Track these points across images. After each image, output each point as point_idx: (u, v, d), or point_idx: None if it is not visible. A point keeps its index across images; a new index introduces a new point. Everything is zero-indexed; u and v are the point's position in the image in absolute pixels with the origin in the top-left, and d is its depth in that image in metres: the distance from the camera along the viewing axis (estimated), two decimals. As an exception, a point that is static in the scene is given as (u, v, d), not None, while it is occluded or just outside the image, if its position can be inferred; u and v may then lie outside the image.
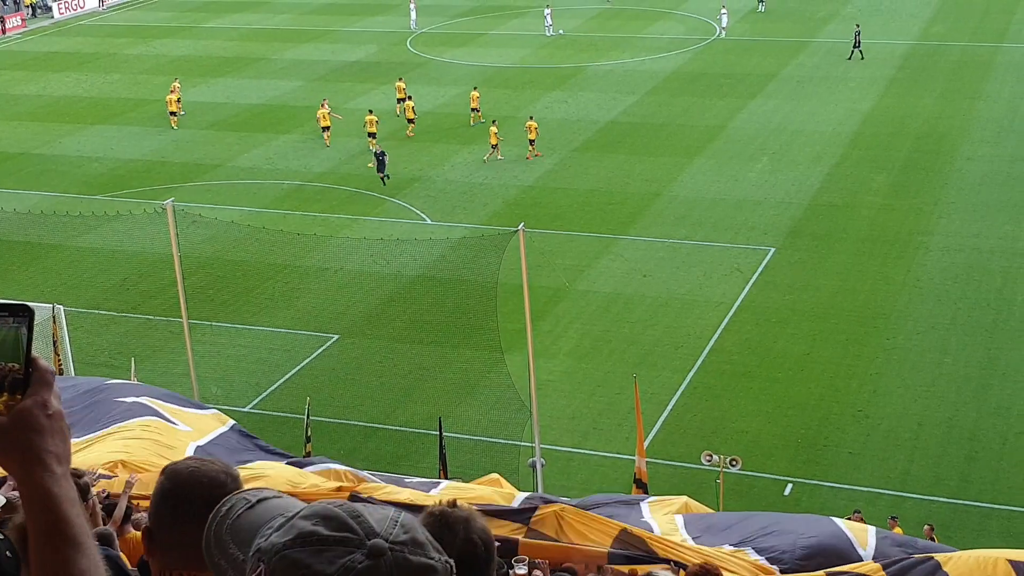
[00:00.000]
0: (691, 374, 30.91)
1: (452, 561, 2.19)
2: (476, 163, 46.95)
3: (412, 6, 71.34)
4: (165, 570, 3.24)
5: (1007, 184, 42.41)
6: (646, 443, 24.32)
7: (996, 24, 63.89)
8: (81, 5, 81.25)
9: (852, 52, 58.12)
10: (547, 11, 67.77)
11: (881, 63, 57.85)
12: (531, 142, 46.83)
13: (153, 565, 3.32)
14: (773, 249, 37.90)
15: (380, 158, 44.31)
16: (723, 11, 65.38)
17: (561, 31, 67.08)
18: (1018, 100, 51.28)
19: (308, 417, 25.49)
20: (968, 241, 37.92)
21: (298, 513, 2.19)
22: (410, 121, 50.69)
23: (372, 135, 48.55)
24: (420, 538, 2.16)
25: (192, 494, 3.25)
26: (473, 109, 51.83)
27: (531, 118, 47.80)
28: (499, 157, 46.72)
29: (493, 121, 48.00)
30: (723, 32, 64.56)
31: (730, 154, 46.76)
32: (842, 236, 38.72)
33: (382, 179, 44.07)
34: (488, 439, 28.46)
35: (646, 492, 20.04)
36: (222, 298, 36.24)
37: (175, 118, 53.26)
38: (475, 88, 53.02)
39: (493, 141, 46.71)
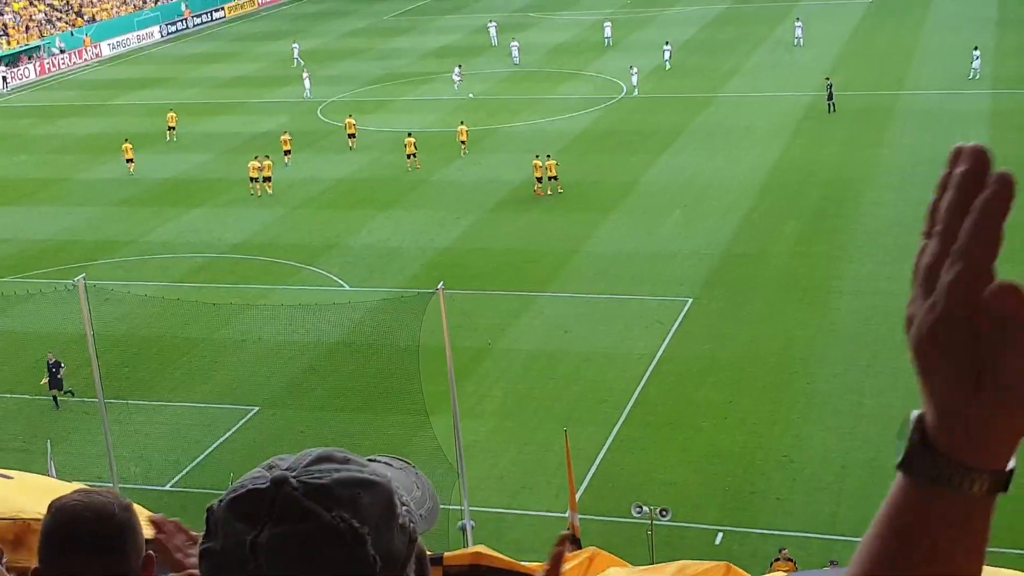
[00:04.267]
0: (617, 427, 30.95)
1: (367, 530, 1.85)
2: (393, 228, 46.90)
3: (305, 75, 71.66)
4: None
5: (914, 227, 42.72)
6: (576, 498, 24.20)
7: (894, 73, 65.47)
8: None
9: (828, 106, 58.67)
10: (456, 69, 68.96)
11: (786, 114, 58.98)
12: (553, 178, 49.12)
13: None
14: (691, 300, 38.24)
15: (53, 371, 33.89)
16: (633, 70, 66.32)
17: (471, 95, 67.59)
18: (919, 146, 52.40)
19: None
20: (880, 284, 38.54)
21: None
22: (267, 180, 52.01)
23: (287, 152, 54.72)
24: (341, 494, 1.87)
25: (79, 531, 3.09)
26: (409, 155, 53.85)
27: (548, 156, 49.92)
28: (560, 190, 49.09)
29: (547, 155, 49.98)
30: (636, 90, 65.44)
31: (644, 208, 47.23)
32: (757, 284, 39.19)
33: (55, 397, 34.02)
34: (416, 504, 28.13)
35: (579, 547, 19.90)
36: (138, 375, 35.63)
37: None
38: (409, 134, 55.04)
39: (552, 173, 49.07)
